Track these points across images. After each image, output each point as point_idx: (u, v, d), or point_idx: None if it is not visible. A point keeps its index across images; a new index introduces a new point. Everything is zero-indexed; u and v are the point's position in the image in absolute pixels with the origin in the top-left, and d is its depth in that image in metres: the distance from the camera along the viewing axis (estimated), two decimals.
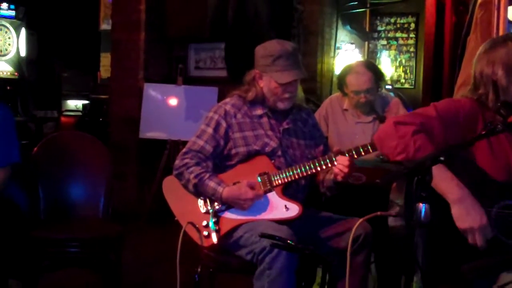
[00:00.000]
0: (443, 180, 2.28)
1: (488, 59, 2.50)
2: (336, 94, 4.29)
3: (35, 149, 4.10)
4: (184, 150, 3.24)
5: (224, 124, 3.22)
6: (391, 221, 2.53)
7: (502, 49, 2.50)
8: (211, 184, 3.10)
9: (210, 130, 3.22)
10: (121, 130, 7.01)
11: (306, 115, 3.43)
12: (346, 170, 3.01)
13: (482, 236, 2.32)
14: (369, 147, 3.03)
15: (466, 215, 2.32)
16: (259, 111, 3.28)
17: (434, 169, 2.18)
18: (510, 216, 2.38)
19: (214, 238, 3.05)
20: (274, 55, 3.16)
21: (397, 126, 2.51)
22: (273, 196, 3.11)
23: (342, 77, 4.09)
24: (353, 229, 2.79)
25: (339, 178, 3.06)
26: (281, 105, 3.25)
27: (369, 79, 3.96)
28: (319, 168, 3.07)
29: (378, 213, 2.67)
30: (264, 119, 3.27)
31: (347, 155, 3.05)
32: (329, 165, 3.06)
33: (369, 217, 2.68)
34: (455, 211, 2.35)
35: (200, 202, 3.18)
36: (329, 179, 3.19)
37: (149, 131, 6.65)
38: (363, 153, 3.06)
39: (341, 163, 3.02)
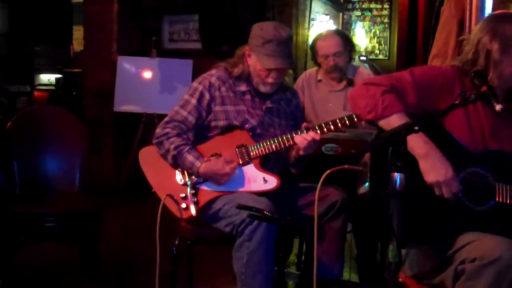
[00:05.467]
0: (412, 137, 2.32)
1: (491, 28, 2.51)
2: (311, 69, 4.37)
3: (9, 124, 4.06)
4: (166, 119, 3.22)
5: (207, 96, 3.21)
6: (361, 189, 2.56)
7: (508, 25, 2.51)
8: (190, 157, 3.09)
9: (194, 101, 3.20)
10: (95, 103, 6.97)
11: (290, 95, 3.42)
12: (309, 143, 3.02)
13: (448, 189, 2.38)
14: (345, 120, 3.04)
15: (432, 169, 2.38)
16: (243, 87, 3.27)
17: None
18: (478, 183, 2.43)
19: (193, 210, 3.06)
20: (265, 38, 3.12)
21: (367, 86, 2.55)
22: (251, 168, 3.12)
23: (313, 44, 4.24)
24: (317, 189, 2.73)
25: (300, 152, 3.08)
26: (262, 88, 3.24)
27: (337, 43, 4.08)
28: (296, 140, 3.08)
29: (346, 166, 2.70)
30: (248, 96, 3.27)
31: (317, 129, 3.06)
32: None
33: (336, 169, 2.70)
34: (422, 165, 2.41)
35: (178, 173, 3.18)
36: (292, 155, 3.21)
37: (124, 105, 6.62)
38: (332, 128, 3.07)
39: (308, 136, 3.03)
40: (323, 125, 3.06)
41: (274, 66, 3.14)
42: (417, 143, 2.39)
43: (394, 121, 2.44)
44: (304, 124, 3.10)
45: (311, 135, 3.02)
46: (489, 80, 2.47)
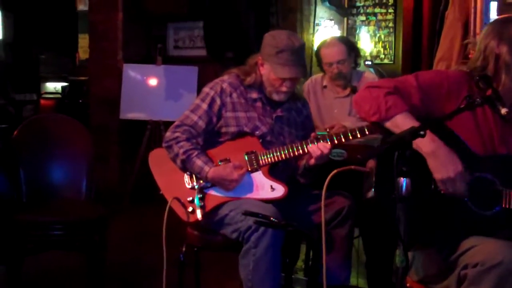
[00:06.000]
0: None
1: (496, 32, 2.49)
2: (317, 74, 4.37)
3: (15, 132, 4.06)
4: (176, 123, 3.22)
5: (218, 102, 3.21)
6: (369, 194, 2.56)
7: None
8: (198, 162, 3.09)
9: (204, 106, 3.20)
10: (101, 111, 6.97)
11: (301, 105, 3.43)
12: (318, 152, 3.03)
13: (461, 183, 2.37)
14: (356, 132, 3.04)
15: (442, 165, 2.37)
16: (254, 95, 3.27)
17: (405, 126, 2.27)
18: (485, 188, 2.42)
19: (199, 214, 3.05)
20: (279, 47, 3.12)
21: (370, 89, 2.56)
22: (259, 175, 3.12)
23: (317, 53, 4.25)
24: (323, 196, 2.73)
25: (312, 161, 3.08)
26: (276, 97, 3.24)
27: (341, 50, 4.08)
28: (306, 149, 3.07)
29: (352, 167, 2.70)
30: (258, 104, 3.27)
31: (328, 140, 3.06)
32: None
33: (342, 169, 2.71)
34: (431, 163, 2.40)
35: (186, 177, 3.18)
36: (301, 165, 3.21)
37: (130, 112, 6.62)
38: (343, 140, 3.06)
39: (324, 147, 3.04)
40: (334, 137, 3.06)
41: (289, 76, 3.14)
42: (424, 142, 2.37)
43: (399, 121, 2.44)
44: (313, 134, 3.11)
45: (325, 145, 3.02)
46: (502, 84, 2.45)
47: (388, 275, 3.81)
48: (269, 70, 3.18)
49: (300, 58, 3.17)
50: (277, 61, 3.13)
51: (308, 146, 3.06)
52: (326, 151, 3.03)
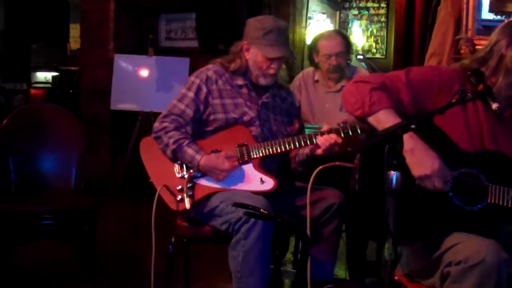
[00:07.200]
0: None
1: (510, 34, 2.46)
2: (308, 68, 4.35)
3: (5, 121, 4.04)
4: (164, 113, 3.21)
5: (204, 89, 3.20)
6: (356, 188, 2.57)
7: None
8: (190, 151, 3.08)
9: (191, 94, 3.19)
10: (92, 102, 6.96)
11: (285, 94, 3.43)
12: (331, 145, 3.01)
13: (438, 179, 2.37)
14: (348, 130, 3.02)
15: (419, 163, 2.37)
16: (240, 81, 3.27)
17: (387, 123, 2.31)
18: (470, 183, 2.42)
19: (187, 203, 3.03)
20: (266, 28, 3.14)
21: (357, 84, 2.57)
22: (249, 168, 3.11)
23: (313, 44, 4.18)
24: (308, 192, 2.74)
25: (319, 151, 3.07)
26: (263, 81, 3.24)
27: (340, 43, 4.06)
28: (297, 145, 3.06)
29: (337, 163, 2.70)
30: (244, 90, 3.26)
31: (342, 134, 3.03)
32: (309, 143, 3.07)
33: (327, 166, 2.71)
34: (409, 160, 2.40)
35: (176, 166, 3.17)
36: (303, 153, 3.20)
37: (121, 103, 6.61)
38: (351, 133, 3.04)
39: (331, 139, 3.02)
40: (341, 132, 3.04)
41: (279, 55, 3.16)
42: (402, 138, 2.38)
43: (382, 118, 2.44)
44: (327, 128, 3.09)
45: (333, 137, 3.01)
46: (498, 85, 2.43)
47: (367, 268, 3.84)
48: (256, 53, 3.20)
49: (286, 39, 3.22)
50: (265, 42, 3.15)
51: (296, 143, 3.06)
52: (336, 143, 3.00)
